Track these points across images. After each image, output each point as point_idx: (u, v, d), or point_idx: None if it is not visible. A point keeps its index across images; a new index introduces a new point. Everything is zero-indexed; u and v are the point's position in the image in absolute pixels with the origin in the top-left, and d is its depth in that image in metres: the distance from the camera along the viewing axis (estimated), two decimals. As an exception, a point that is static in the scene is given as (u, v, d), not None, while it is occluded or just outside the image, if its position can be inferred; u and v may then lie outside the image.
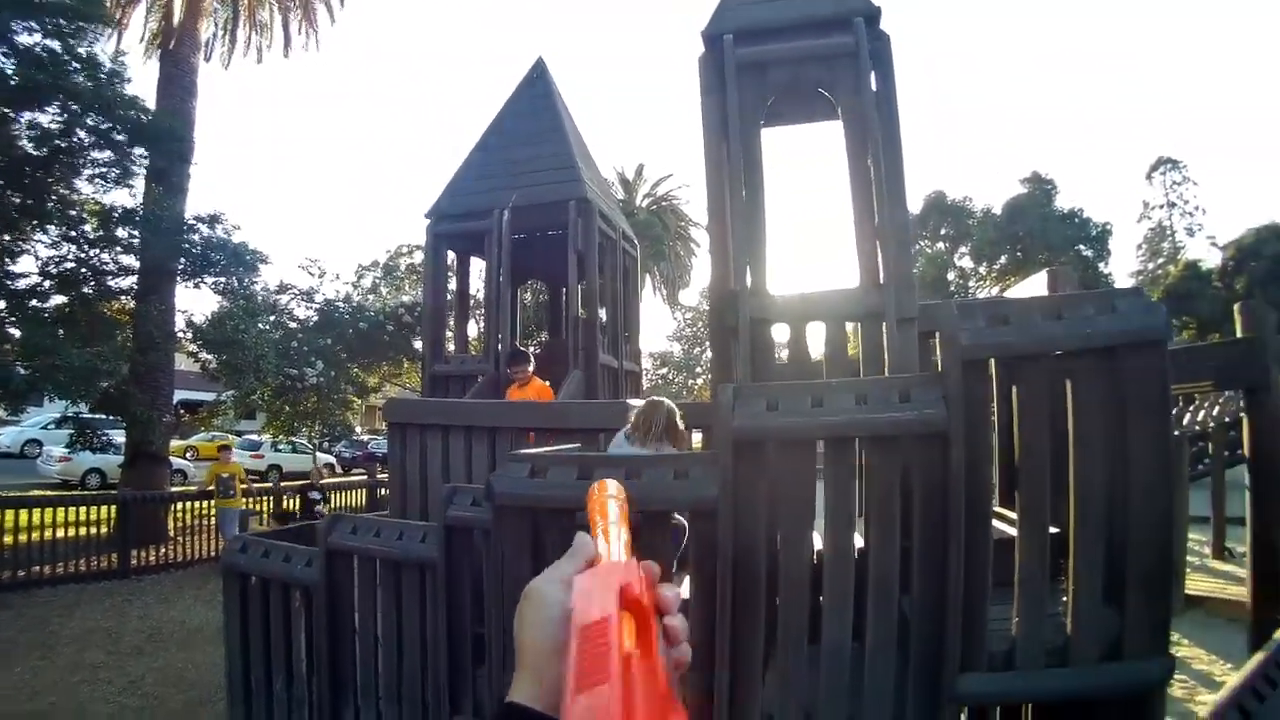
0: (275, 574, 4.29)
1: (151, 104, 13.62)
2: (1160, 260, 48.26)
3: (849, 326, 3.96)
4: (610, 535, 0.73)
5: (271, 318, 16.24)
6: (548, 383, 8.02)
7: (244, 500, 12.86)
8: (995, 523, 3.30)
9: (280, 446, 26.64)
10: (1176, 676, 6.74)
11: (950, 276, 46.65)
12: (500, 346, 7.71)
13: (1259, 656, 2.95)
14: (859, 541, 2.60)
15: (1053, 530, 2.69)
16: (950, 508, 2.34)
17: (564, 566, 0.67)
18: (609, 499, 0.82)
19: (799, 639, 2.52)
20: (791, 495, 2.48)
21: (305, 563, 4.14)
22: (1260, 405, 5.39)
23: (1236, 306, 5.81)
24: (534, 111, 8.67)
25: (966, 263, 48.91)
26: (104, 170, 12.05)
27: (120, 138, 11.79)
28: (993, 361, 3.08)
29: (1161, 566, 2.50)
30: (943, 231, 48.75)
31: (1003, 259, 45.57)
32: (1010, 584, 2.58)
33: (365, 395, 19.32)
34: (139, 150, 12.29)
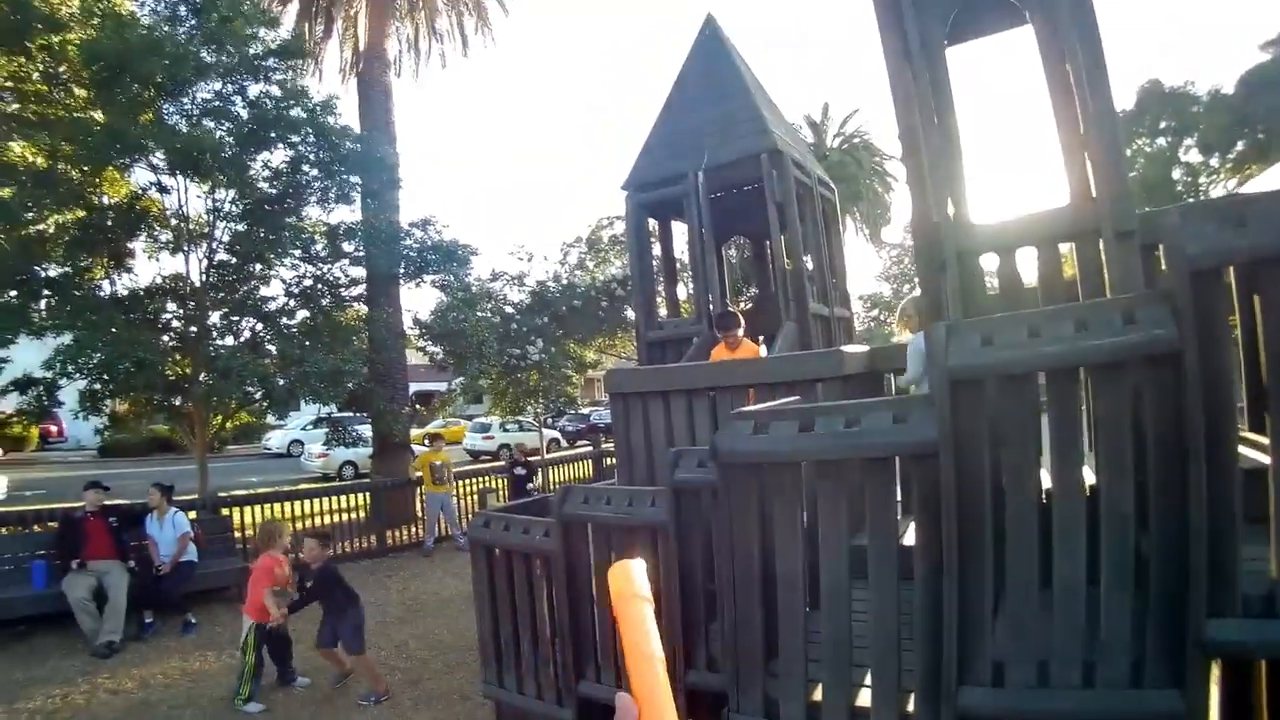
0: (516, 545, 4.69)
1: (355, 127, 15.02)
2: None
3: (1063, 249, 3.69)
4: (653, 691, 0.70)
5: (489, 305, 17.39)
6: (760, 340, 8.09)
7: (453, 486, 13.85)
8: (1243, 449, 2.99)
9: (508, 426, 28.41)
10: None
11: (1175, 175, 40.91)
12: (710, 307, 7.86)
13: None
14: (1090, 478, 2.49)
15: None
16: (1189, 435, 2.18)
17: None
18: (636, 601, 0.77)
19: (1029, 583, 2.45)
20: (1014, 433, 2.42)
21: (543, 533, 4.51)
22: None
23: None
24: (712, 69, 8.64)
25: (1194, 156, 42.55)
26: (325, 191, 13.47)
27: (339, 168, 13.13)
28: (1231, 270, 2.75)
29: None
30: (1163, 125, 42.54)
31: (1240, 145, 39.06)
32: (1265, 519, 2.32)
33: (583, 369, 20.23)
34: (355, 178, 13.62)
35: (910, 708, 2.65)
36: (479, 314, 16.07)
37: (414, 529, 13.65)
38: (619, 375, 5.38)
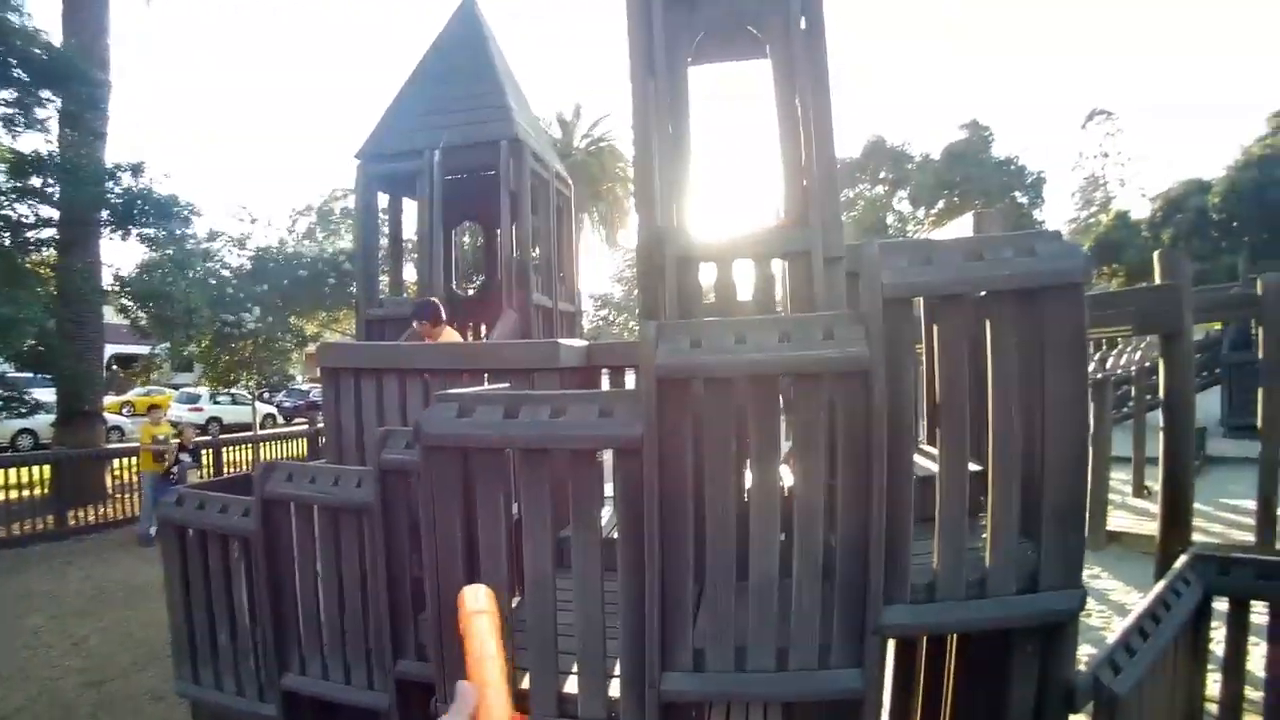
0: (213, 525, 4.23)
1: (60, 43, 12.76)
2: (1093, 209, 50.00)
3: (776, 266, 3.99)
4: (489, 687, 0.83)
5: (204, 266, 15.66)
6: (480, 327, 7.98)
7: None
8: (918, 459, 3.43)
9: (220, 399, 26.11)
10: (1096, 606, 7.20)
11: (889, 220, 47.75)
12: (435, 288, 7.62)
13: (1151, 594, 3.15)
14: (786, 479, 2.67)
15: (974, 467, 2.80)
16: (873, 444, 2.41)
17: None
18: (477, 615, 0.92)
19: (728, 575, 2.59)
20: (717, 433, 2.53)
21: (242, 513, 4.09)
22: (1174, 350, 5.63)
23: (1156, 255, 6.02)
24: (464, 49, 8.42)
25: (905, 207, 50.17)
26: (9, 113, 11.32)
27: (21, 75, 11.04)
28: (920, 301, 3.17)
29: (1075, 503, 2.62)
30: (882, 175, 49.80)
31: (940, 204, 46.81)
32: (933, 520, 2.69)
33: (304, 343, 18.93)
34: (46, 93, 11.55)
35: (615, 693, 2.71)
36: (192, 275, 14.33)
37: (105, 509, 11.94)
38: (332, 349, 5.04)
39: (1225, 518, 9.74)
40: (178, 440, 12.14)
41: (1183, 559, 3.40)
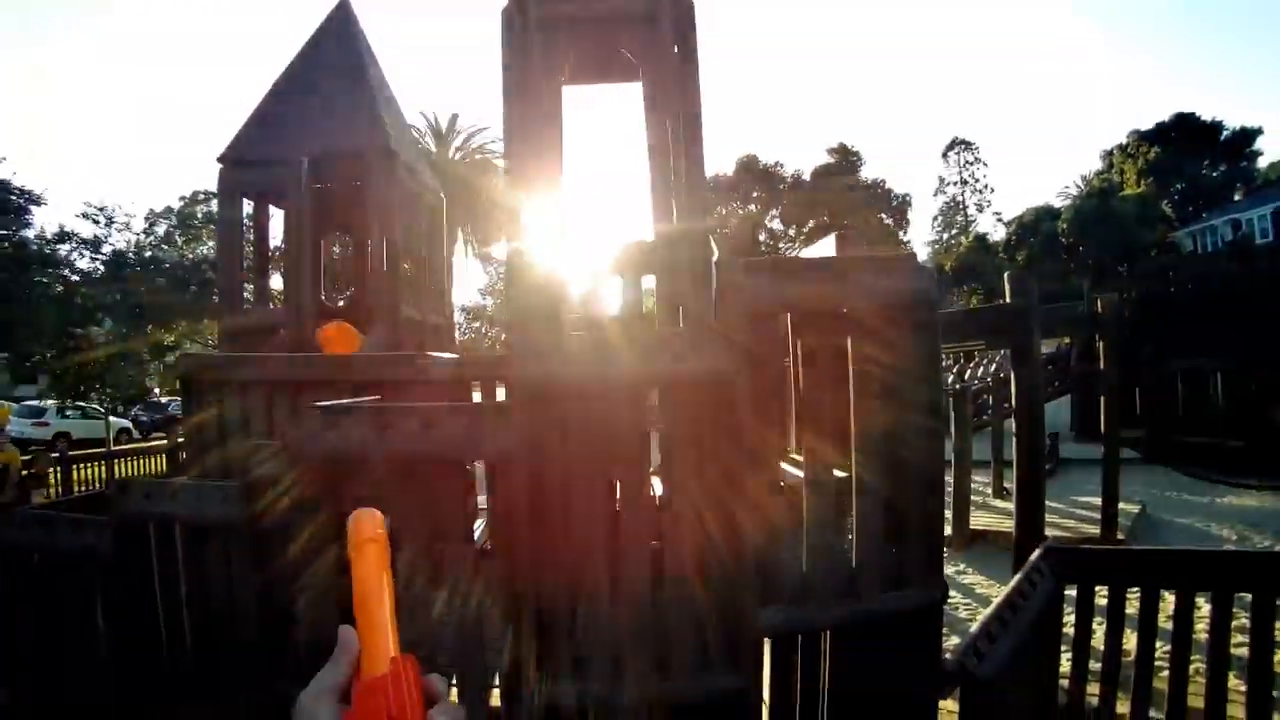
0: (63, 548, 3.95)
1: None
2: (954, 232, 53.34)
3: (647, 281, 4.07)
4: (374, 630, 0.76)
5: (48, 271, 14.41)
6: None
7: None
8: (787, 467, 3.57)
9: (69, 413, 24.11)
10: (962, 600, 7.66)
11: (761, 237, 49.30)
12: (302, 299, 7.34)
13: (1010, 585, 3.40)
14: (658, 488, 2.74)
15: (839, 474, 2.95)
16: (740, 452, 2.51)
17: (331, 673, 0.73)
18: (368, 544, 0.82)
19: (601, 583, 2.63)
20: (586, 445, 2.57)
21: (95, 534, 3.84)
22: (1023, 363, 6.09)
23: (1006, 276, 6.51)
24: (336, 53, 8.13)
25: (777, 225, 51.86)
26: None
27: None
28: (787, 317, 3.31)
29: (934, 504, 2.80)
30: (754, 194, 51.36)
31: (810, 223, 48.64)
32: (802, 524, 2.82)
33: (162, 354, 17.69)
34: None
35: (495, 702, 2.72)
36: (36, 279, 13.16)
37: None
38: (193, 359, 4.82)
39: (1076, 513, 10.58)
40: (27, 473, 10.88)
41: (1037, 552, 3.67)
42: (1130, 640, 3.43)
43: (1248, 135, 42.46)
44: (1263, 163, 42.29)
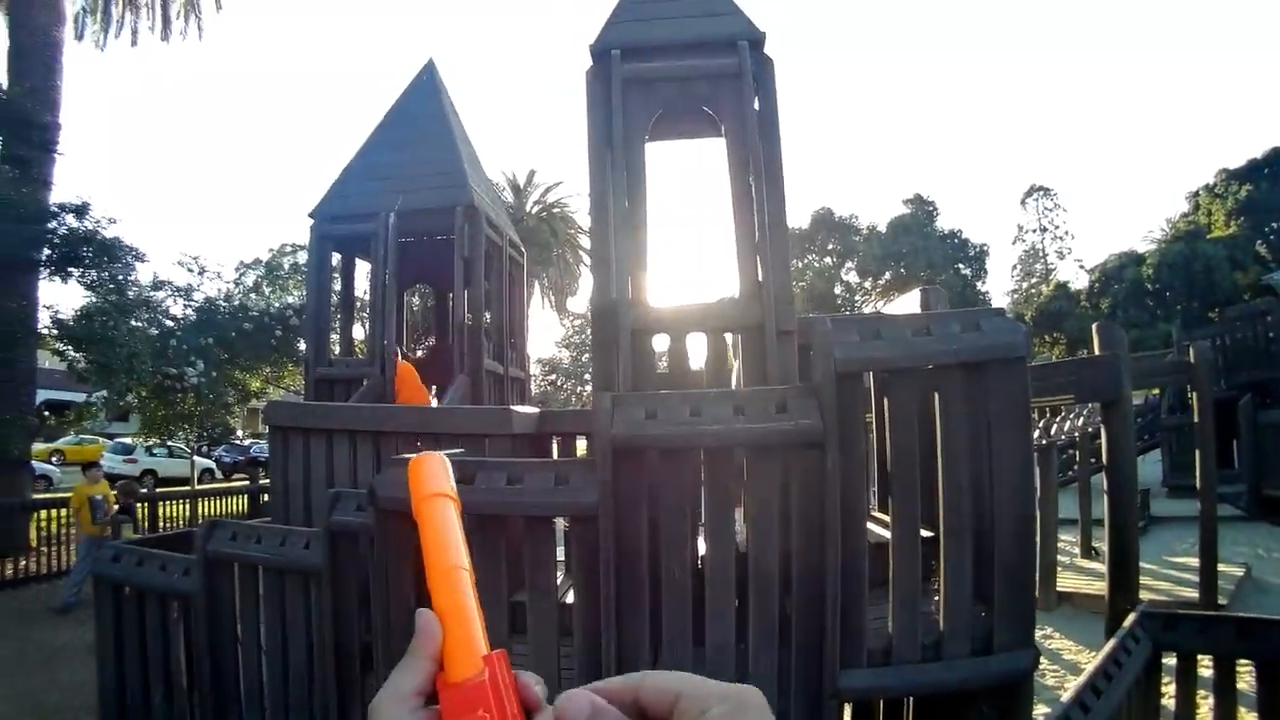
0: (151, 583, 4.09)
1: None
2: (1033, 280, 51.92)
3: (729, 338, 4.06)
4: (458, 611, 0.59)
5: (146, 316, 15.22)
6: (433, 390, 8.00)
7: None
8: (872, 526, 3.47)
9: (156, 451, 25.18)
10: (1049, 666, 7.27)
11: (837, 290, 48.92)
12: (385, 351, 7.57)
13: (1103, 651, 3.21)
14: (741, 545, 2.68)
15: (926, 533, 2.85)
16: (827, 512, 2.45)
17: (409, 675, 0.58)
18: (435, 499, 0.64)
19: (684, 639, 2.58)
20: (671, 501, 2.54)
21: (183, 571, 3.96)
22: (1115, 416, 5.83)
23: (1095, 326, 6.26)
24: (423, 114, 8.55)
25: (853, 278, 51.52)
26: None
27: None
28: (870, 374, 3.26)
29: (1025, 565, 2.67)
30: (830, 247, 51.21)
31: (887, 275, 48.18)
32: (887, 585, 2.72)
33: (247, 398, 18.44)
34: None
35: None
36: (135, 323, 13.89)
37: (25, 561, 11.33)
38: (281, 408, 4.98)
39: (1170, 575, 9.95)
40: (118, 504, 11.37)
41: (1131, 617, 3.46)
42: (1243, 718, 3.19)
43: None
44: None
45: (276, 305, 17.14)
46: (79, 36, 15.61)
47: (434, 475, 0.66)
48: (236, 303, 16.95)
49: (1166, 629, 3.39)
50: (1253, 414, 14.22)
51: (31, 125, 11.89)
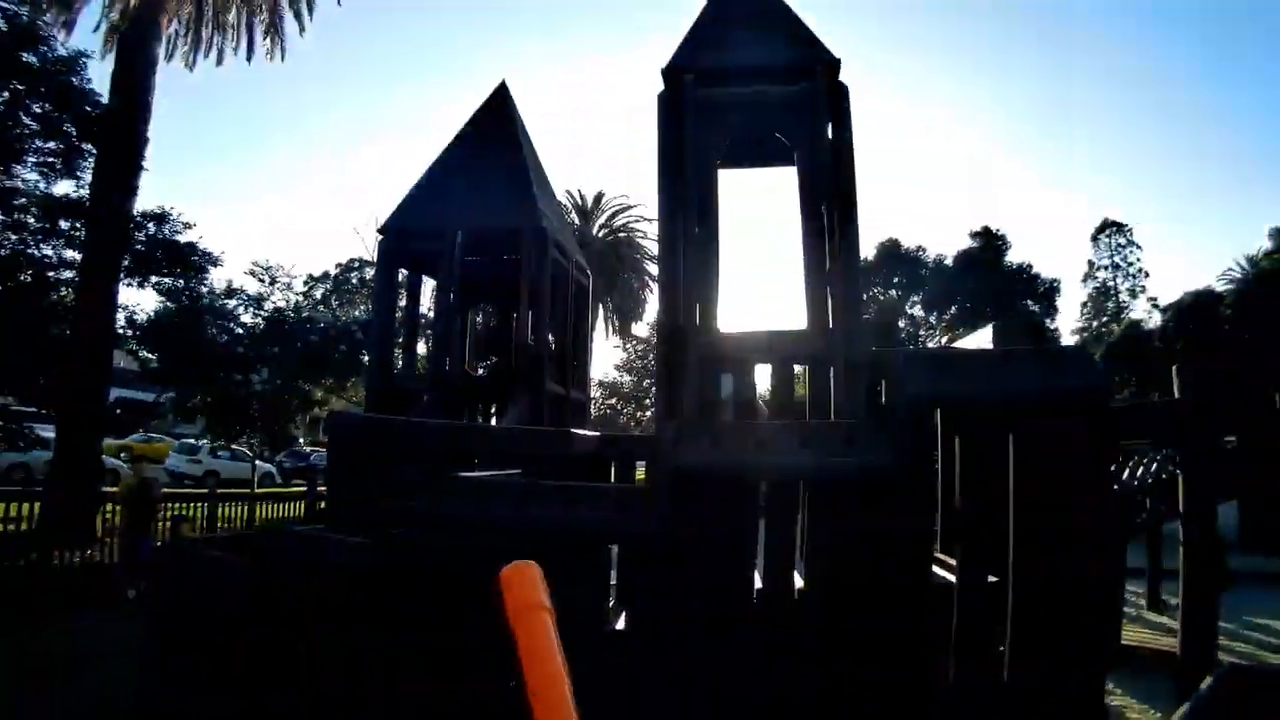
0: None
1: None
2: (1104, 319, 50.18)
3: (797, 368, 3.96)
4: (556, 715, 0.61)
5: (218, 322, 15.83)
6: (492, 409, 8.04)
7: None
8: (936, 569, 3.32)
9: (220, 453, 26.01)
10: (1110, 727, 6.88)
11: (901, 324, 48.04)
12: (447, 367, 7.65)
13: (1178, 715, 3.00)
14: (799, 581, 2.58)
15: (992, 579, 2.71)
16: (891, 552, 2.35)
17: None
18: (534, 612, 0.68)
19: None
20: (732, 533, 2.46)
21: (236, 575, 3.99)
22: (1198, 464, 5.53)
23: (1174, 369, 5.98)
24: (494, 136, 8.67)
25: (918, 311, 50.53)
26: (51, 160, 11.66)
27: (70, 129, 11.44)
28: (938, 411, 3.13)
29: (1097, 621, 2.53)
30: (895, 279, 50.40)
31: (953, 310, 47.13)
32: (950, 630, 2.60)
33: (310, 406, 18.94)
34: (88, 145, 11.96)
35: None
36: (208, 329, 14.49)
37: (92, 552, 11.68)
38: (342, 419, 5.02)
39: (1251, 636, 9.39)
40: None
41: (1212, 677, 3.23)
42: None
43: None
44: None
45: (342, 319, 17.66)
46: (168, 57, 16.32)
47: (531, 585, 0.73)
48: (304, 315, 17.49)
49: (1256, 692, 3.16)
50: (1341, 466, 13.42)
51: (124, 136, 12.47)
